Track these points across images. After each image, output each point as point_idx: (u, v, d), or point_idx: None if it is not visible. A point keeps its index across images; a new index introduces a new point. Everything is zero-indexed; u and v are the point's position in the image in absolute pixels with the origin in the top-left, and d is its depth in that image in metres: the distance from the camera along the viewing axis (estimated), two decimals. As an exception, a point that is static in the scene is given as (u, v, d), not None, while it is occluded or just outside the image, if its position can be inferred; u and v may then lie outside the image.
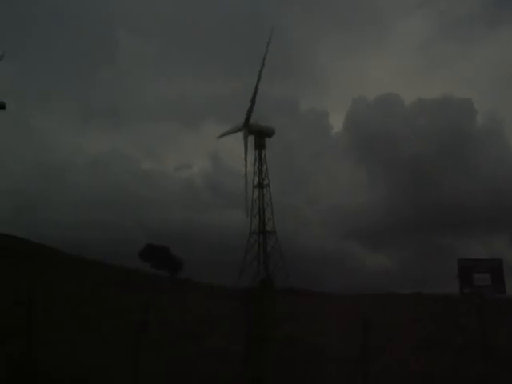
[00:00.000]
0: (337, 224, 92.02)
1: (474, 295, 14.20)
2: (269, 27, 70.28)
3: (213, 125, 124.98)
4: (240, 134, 68.87)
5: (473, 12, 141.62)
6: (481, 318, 12.84)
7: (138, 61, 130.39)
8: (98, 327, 14.57)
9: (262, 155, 70.36)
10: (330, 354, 12.90)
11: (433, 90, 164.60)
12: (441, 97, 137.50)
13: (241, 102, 68.95)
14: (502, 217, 76.00)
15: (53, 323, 13.48)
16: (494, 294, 14.10)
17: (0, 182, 72.24)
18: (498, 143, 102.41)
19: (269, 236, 68.95)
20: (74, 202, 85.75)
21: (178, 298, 24.96)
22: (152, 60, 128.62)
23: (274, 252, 68.05)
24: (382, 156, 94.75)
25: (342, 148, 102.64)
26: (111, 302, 20.17)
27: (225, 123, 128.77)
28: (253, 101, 67.53)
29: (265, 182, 70.45)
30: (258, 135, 69.80)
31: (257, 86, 67.41)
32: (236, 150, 70.17)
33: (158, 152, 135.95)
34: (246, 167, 68.30)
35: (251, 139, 69.57)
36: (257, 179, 70.16)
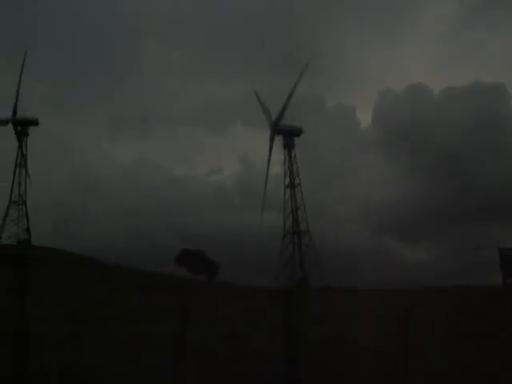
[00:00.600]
0: (370, 219, 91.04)
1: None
2: (294, 27, 69.89)
3: (241, 127, 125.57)
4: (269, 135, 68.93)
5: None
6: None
7: (163, 68, 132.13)
8: (139, 333, 14.92)
9: (292, 155, 70.35)
10: (369, 351, 12.90)
11: (462, 77, 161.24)
12: (471, 83, 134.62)
13: (267, 103, 68.87)
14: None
15: (97, 330, 13.91)
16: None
17: (37, 196, 74.13)
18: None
19: (303, 235, 68.78)
20: (109, 213, 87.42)
21: (215, 301, 25.27)
22: (177, 67, 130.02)
23: (308, 251, 67.89)
24: (413, 148, 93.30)
25: (372, 142, 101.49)
26: (151, 308, 20.57)
27: (252, 125, 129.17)
28: (286, 103, 67.51)
29: (296, 182, 70.37)
30: (286, 135, 69.78)
31: (293, 89, 67.41)
32: (265, 152, 70.67)
33: (189, 157, 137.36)
34: (268, 166, 68.53)
35: (280, 139, 69.67)
36: (288, 179, 70.21)
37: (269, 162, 68.48)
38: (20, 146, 67.98)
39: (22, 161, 68.22)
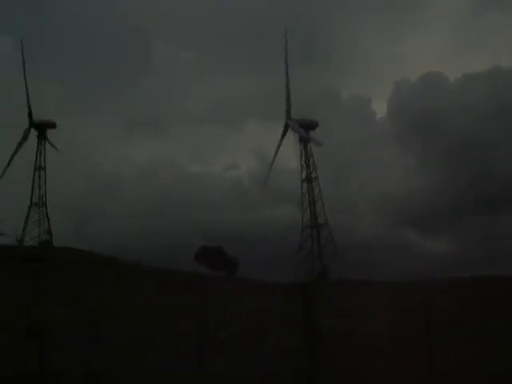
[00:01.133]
0: (389, 211, 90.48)
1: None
2: (304, 18, 69.59)
3: (255, 123, 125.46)
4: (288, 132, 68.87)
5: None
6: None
7: (175, 68, 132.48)
8: (161, 331, 15.02)
9: (308, 148, 70.10)
10: (390, 345, 12.80)
11: (478, 63, 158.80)
12: (488, 69, 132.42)
13: (281, 99, 68.74)
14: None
15: (116, 329, 14.04)
16: None
17: (57, 197, 75.07)
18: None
19: (321, 229, 68.57)
20: (127, 212, 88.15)
21: (234, 297, 25.33)
22: (190, 66, 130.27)
23: (327, 244, 67.69)
24: (431, 137, 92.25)
25: (388, 133, 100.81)
26: (172, 305, 20.69)
27: (266, 121, 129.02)
28: (287, 92, 67.48)
29: (313, 176, 70.11)
30: (302, 129, 69.52)
31: (287, 75, 67.56)
32: (281, 147, 70.63)
33: (205, 155, 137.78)
34: (274, 158, 68.45)
35: (295, 133, 69.42)
36: (304, 173, 69.99)
37: (278, 147, 68.53)
38: (38, 149, 68.96)
39: (41, 163, 69.21)
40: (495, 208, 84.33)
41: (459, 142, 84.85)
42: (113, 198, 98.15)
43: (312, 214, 68.99)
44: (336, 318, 15.68)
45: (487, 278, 30.19)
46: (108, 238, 71.42)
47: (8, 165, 66.24)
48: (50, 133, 69.30)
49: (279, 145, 68.58)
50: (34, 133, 68.47)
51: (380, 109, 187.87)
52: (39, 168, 68.95)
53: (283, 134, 68.58)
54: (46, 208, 69.15)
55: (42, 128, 68.44)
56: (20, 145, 67.02)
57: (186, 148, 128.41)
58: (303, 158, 69.94)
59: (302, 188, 69.55)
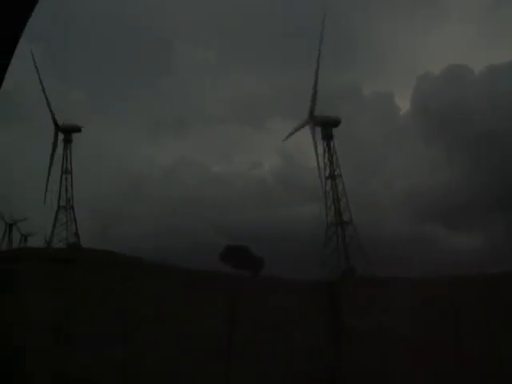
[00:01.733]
0: (414, 207, 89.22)
1: None
2: (327, 15, 69.13)
3: (278, 122, 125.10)
4: (306, 129, 68.80)
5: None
6: None
7: (197, 67, 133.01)
8: (188, 330, 15.17)
9: (331, 146, 69.90)
10: (418, 342, 12.72)
11: (503, 54, 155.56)
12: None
13: (303, 97, 68.62)
14: None
15: (145, 328, 14.24)
16: None
17: (83, 200, 76.26)
18: None
19: (346, 226, 68.34)
20: (152, 213, 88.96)
21: (261, 296, 25.37)
22: (211, 65, 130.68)
23: (352, 241, 67.37)
24: (456, 131, 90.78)
25: (412, 128, 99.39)
26: (198, 305, 20.85)
27: (290, 119, 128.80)
28: (314, 91, 67.23)
29: (336, 173, 69.90)
30: (324, 126, 69.34)
31: (316, 75, 67.12)
32: (304, 145, 70.54)
33: (228, 154, 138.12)
34: (317, 159, 68.23)
35: (318, 131, 69.36)
36: (328, 170, 69.81)
37: (316, 151, 68.34)
38: (64, 153, 70.29)
39: (67, 167, 70.52)
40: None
41: (486, 134, 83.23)
42: (137, 199, 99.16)
43: (336, 211, 68.77)
44: (362, 316, 15.61)
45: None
46: (133, 239, 72.22)
47: (49, 174, 67.80)
48: (74, 136, 70.63)
49: (315, 144, 68.39)
50: (59, 136, 69.88)
51: (403, 104, 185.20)
52: (66, 171, 70.33)
53: (312, 132, 68.51)
54: (73, 211, 70.53)
55: (67, 132, 69.77)
56: (53, 151, 68.68)
57: (208, 148, 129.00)
58: (326, 155, 69.84)
59: (325, 185, 69.43)
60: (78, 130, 70.42)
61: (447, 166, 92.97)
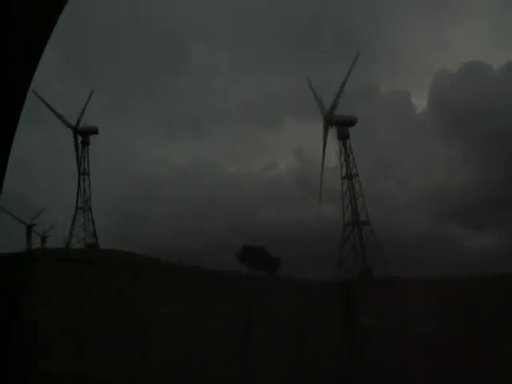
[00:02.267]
0: (431, 206, 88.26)
1: None
2: (337, 16, 68.84)
3: (293, 122, 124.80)
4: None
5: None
6: None
7: (212, 67, 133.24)
8: (205, 330, 15.20)
9: (347, 145, 69.56)
10: (436, 343, 12.56)
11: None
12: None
13: (321, 95, 68.28)
14: None
15: (163, 328, 14.29)
16: None
17: (101, 201, 76.99)
18: None
19: (363, 226, 67.92)
20: (168, 213, 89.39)
21: (278, 296, 25.31)
22: (226, 65, 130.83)
23: (369, 241, 66.94)
24: (475, 130, 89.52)
25: (429, 127, 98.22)
26: (215, 305, 20.87)
27: (305, 118, 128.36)
28: (339, 94, 67.01)
29: (353, 172, 69.52)
30: (341, 126, 69.06)
31: (346, 79, 66.97)
32: (320, 145, 70.38)
33: (244, 154, 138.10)
34: (323, 158, 68.03)
35: (334, 131, 69.08)
36: (344, 170, 69.51)
37: (324, 153, 68.06)
38: (82, 155, 71.09)
39: (85, 168, 71.30)
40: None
41: (503, 133, 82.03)
42: (154, 199, 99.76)
43: (353, 211, 68.41)
44: (378, 316, 15.49)
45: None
46: (151, 240, 72.67)
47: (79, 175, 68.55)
48: (92, 138, 71.42)
49: (324, 143, 68.20)
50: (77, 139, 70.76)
51: (420, 102, 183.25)
52: (83, 173, 71.12)
53: (325, 132, 68.24)
54: (91, 212, 71.28)
55: (85, 134, 70.57)
56: (77, 153, 69.64)
57: (224, 148, 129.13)
58: (343, 154, 69.56)
59: (342, 185, 69.11)
60: (95, 132, 71.20)
61: (465, 164, 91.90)
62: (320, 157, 67.82)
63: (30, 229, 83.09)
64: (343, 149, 69.49)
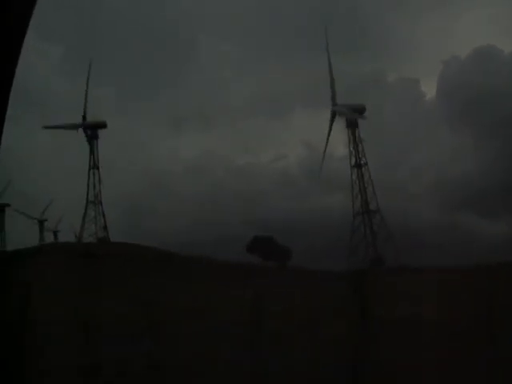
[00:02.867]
0: (442, 194, 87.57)
1: None
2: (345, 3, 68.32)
3: (302, 113, 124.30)
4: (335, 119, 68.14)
5: None
6: None
7: (219, 61, 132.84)
8: (215, 322, 15.16)
9: (356, 134, 69.09)
10: (448, 331, 12.41)
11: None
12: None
13: (327, 86, 67.83)
14: None
15: (174, 320, 14.26)
16: None
17: (112, 194, 77.27)
18: None
19: (373, 215, 67.60)
20: (179, 207, 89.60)
21: (287, 287, 25.25)
22: (234, 57, 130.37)
23: (380, 231, 66.64)
24: (486, 117, 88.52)
25: (439, 115, 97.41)
26: (226, 296, 20.84)
27: (313, 109, 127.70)
28: (331, 78, 66.63)
29: (362, 162, 69.11)
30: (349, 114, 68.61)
31: (329, 61, 66.64)
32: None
33: (252, 146, 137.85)
34: (326, 147, 67.69)
35: (342, 119, 68.62)
36: (354, 159, 69.09)
37: (328, 138, 67.77)
38: (91, 149, 71.33)
39: (95, 162, 71.56)
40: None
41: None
42: (165, 193, 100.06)
43: (363, 200, 68.10)
44: (394, 306, 15.36)
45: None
46: (162, 233, 72.92)
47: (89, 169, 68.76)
48: (101, 132, 71.60)
49: (329, 133, 67.88)
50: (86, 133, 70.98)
51: (429, 89, 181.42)
52: (93, 167, 71.39)
53: (331, 122, 67.85)
54: (102, 205, 71.57)
55: (94, 128, 70.77)
56: (91, 148, 70.05)
57: (233, 140, 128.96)
58: (352, 143, 69.14)
59: (351, 174, 68.74)
60: (104, 126, 71.38)
61: (475, 151, 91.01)
62: (330, 147, 67.53)
63: (41, 224, 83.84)
64: (352, 138, 69.12)
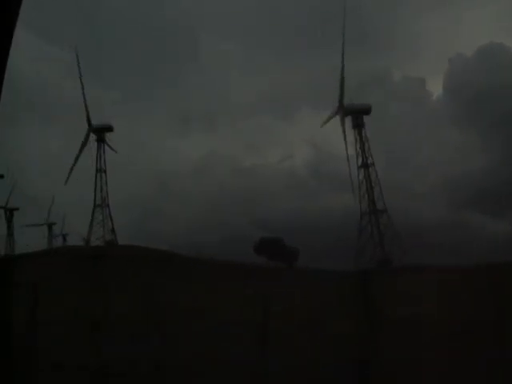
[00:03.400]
0: (449, 193, 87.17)
1: None
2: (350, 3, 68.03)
3: (307, 112, 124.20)
4: (336, 119, 68.05)
5: None
6: None
7: (222, 60, 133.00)
8: (223, 322, 15.19)
9: (362, 134, 68.94)
10: (454, 330, 12.36)
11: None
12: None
13: (332, 86, 67.86)
14: None
15: (181, 321, 14.31)
16: None
17: (119, 197, 77.59)
18: None
19: (380, 215, 67.40)
20: (185, 208, 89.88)
21: (296, 287, 25.26)
22: (238, 58, 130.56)
23: (387, 230, 66.42)
24: (492, 115, 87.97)
25: (445, 113, 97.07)
26: (233, 297, 20.87)
27: (319, 109, 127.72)
28: (342, 79, 66.45)
29: (369, 161, 68.92)
30: (355, 114, 68.41)
31: (342, 62, 66.32)
32: (334, 134, 69.99)
33: (259, 147, 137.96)
34: (346, 149, 67.39)
35: (349, 120, 68.49)
36: (360, 159, 68.94)
37: (345, 140, 67.51)
38: (98, 152, 71.62)
39: (101, 166, 71.82)
40: None
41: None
42: (171, 194, 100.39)
43: (370, 200, 67.90)
44: (398, 306, 15.31)
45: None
46: (169, 235, 73.15)
47: (71, 170, 69.02)
48: (107, 136, 71.80)
49: (344, 134, 67.57)
50: (93, 137, 71.20)
51: (436, 88, 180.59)
52: (100, 170, 71.61)
53: (342, 123, 67.69)
54: (109, 208, 71.82)
55: (100, 132, 70.98)
56: (82, 149, 69.87)
57: (239, 141, 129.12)
58: (358, 144, 68.97)
59: (358, 174, 68.55)
60: (110, 129, 71.61)
61: (480, 150, 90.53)
62: (336, 147, 67.46)
63: (50, 228, 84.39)
64: (358, 138, 68.96)
